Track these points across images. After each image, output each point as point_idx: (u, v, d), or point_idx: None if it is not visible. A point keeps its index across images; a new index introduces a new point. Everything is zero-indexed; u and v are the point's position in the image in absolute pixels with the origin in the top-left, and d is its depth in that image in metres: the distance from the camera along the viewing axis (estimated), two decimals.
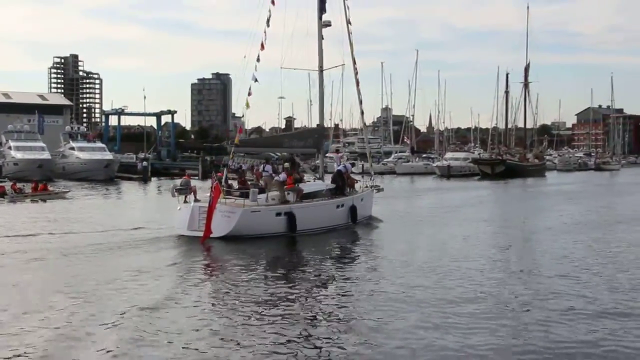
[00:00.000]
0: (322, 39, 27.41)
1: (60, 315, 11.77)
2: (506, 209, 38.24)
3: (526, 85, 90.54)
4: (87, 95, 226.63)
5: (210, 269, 17.47)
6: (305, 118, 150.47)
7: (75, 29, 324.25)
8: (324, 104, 29.77)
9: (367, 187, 28.54)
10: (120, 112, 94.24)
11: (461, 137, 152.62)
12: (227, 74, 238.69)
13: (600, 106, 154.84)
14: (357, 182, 28.38)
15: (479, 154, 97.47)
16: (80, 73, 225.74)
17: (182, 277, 15.49)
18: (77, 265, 17.04)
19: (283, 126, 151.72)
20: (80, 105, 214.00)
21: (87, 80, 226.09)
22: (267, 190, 23.43)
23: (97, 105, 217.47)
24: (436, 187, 58.00)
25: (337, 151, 28.30)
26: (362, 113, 32.31)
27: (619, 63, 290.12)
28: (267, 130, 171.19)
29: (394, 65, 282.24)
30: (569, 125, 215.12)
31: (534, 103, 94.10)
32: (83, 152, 64.56)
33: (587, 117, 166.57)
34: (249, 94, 25.61)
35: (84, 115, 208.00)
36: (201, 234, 20.67)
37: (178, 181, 25.64)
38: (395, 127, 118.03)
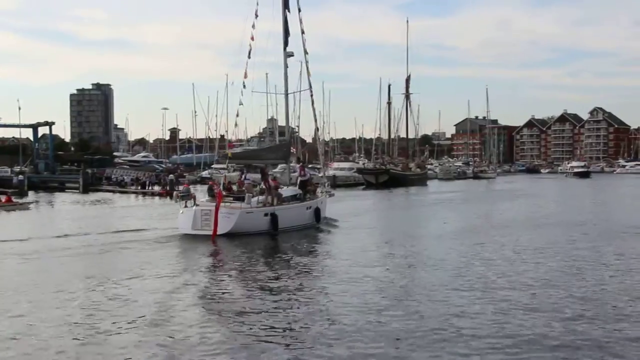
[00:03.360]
0: (287, 67, 32.68)
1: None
2: (395, 217, 39.26)
3: (407, 96, 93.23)
4: None
5: (220, 258, 21.25)
6: (190, 129, 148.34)
7: None
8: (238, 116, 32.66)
9: (322, 192, 32.54)
10: None
11: (346, 148, 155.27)
12: (108, 85, 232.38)
13: (477, 117, 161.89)
14: (318, 188, 32.56)
15: (363, 164, 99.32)
16: None
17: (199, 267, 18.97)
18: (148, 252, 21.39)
19: (167, 137, 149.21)
20: None
21: None
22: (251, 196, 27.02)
23: None
24: None
25: (298, 161, 35.37)
26: (317, 130, 42.69)
27: (493, 76, 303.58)
28: (151, 141, 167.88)
29: (278, 76, 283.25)
30: (448, 135, 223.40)
31: (416, 114, 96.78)
32: None
33: (465, 127, 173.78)
34: (237, 115, 31.46)
35: None
36: (203, 232, 24.59)
37: (180, 188, 29.86)
38: (281, 137, 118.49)
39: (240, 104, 30.50)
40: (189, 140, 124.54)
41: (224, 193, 26.63)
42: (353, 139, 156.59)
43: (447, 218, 35.02)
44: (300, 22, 31.82)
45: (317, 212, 29.82)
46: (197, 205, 26.14)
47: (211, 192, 27.60)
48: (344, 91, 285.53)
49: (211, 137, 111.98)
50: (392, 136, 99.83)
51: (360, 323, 11.92)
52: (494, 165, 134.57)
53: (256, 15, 30.06)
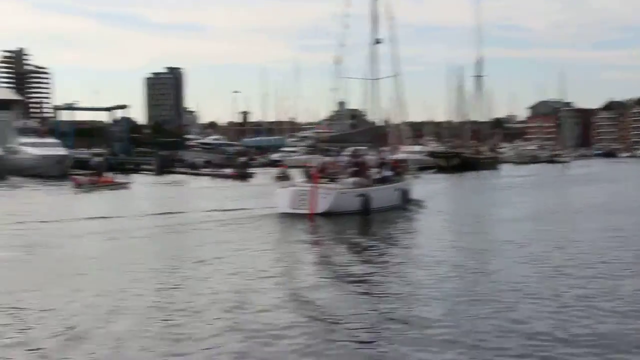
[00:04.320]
0: (374, 53, 33.91)
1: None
2: (473, 200, 39.77)
3: (478, 79, 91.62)
4: (36, 90, 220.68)
5: (325, 235, 22.66)
6: (260, 112, 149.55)
7: (20, 22, 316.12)
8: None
9: (409, 174, 34.15)
10: (71, 107, 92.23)
11: (416, 131, 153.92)
12: (180, 68, 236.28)
13: (551, 100, 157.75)
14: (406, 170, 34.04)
15: (433, 147, 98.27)
16: (29, 67, 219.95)
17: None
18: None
19: (238, 120, 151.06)
20: (29, 101, 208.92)
21: (36, 75, 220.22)
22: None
23: (47, 100, 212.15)
24: None
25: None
26: (405, 114, 43.93)
27: (568, 58, 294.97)
28: (223, 124, 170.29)
29: (347, 59, 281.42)
30: (521, 118, 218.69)
31: (487, 97, 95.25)
32: (35, 148, 62.73)
33: (539, 110, 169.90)
34: (335, 102, 34.12)
35: (37, 110, 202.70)
36: (300, 211, 25.81)
37: (277, 170, 32.37)
38: (350, 121, 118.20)
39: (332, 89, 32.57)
40: (260, 124, 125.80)
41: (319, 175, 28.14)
42: (422, 122, 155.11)
43: (523, 202, 34.54)
44: (389, 8, 33.28)
45: (405, 193, 31.10)
46: (294, 185, 27.79)
47: (307, 174, 29.07)
48: (413, 73, 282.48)
49: (281, 120, 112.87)
50: (463, 119, 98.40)
51: (455, 291, 13.14)
52: (570, 149, 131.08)
53: (347, 4, 31.77)
